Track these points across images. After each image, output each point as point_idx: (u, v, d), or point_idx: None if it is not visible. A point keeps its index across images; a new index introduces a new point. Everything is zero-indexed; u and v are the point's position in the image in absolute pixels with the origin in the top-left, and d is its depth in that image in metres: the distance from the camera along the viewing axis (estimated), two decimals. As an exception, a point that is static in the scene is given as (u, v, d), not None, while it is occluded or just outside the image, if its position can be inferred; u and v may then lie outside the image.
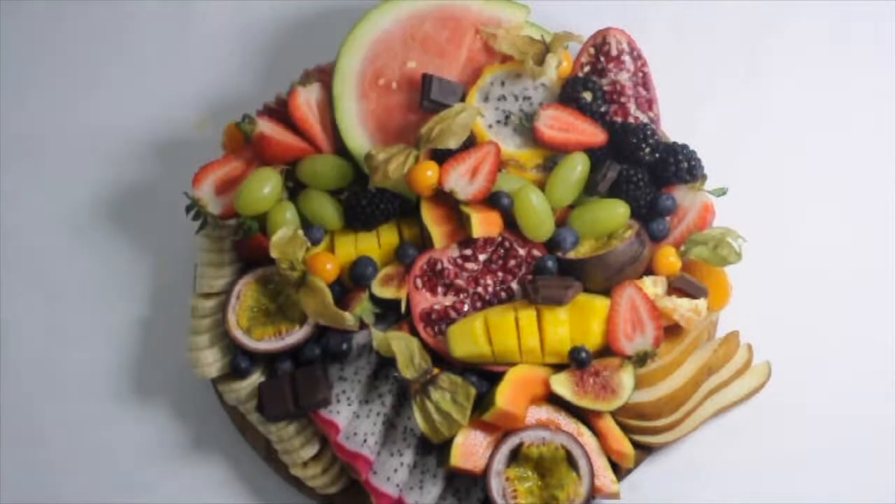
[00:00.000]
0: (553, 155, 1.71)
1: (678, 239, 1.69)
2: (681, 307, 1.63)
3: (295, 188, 1.73)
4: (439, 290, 1.66)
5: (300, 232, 1.64)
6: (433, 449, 1.65)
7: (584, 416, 1.63)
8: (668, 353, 1.65)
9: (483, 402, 1.62)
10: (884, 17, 1.89)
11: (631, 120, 1.72)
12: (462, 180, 1.65)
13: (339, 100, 1.71)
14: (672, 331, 1.65)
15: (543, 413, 1.63)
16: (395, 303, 1.66)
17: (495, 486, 1.58)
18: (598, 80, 1.72)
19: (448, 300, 1.66)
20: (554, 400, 1.62)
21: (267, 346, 1.66)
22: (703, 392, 1.67)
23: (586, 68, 1.75)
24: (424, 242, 1.70)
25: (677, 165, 1.66)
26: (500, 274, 1.67)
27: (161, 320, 1.82)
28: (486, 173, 1.65)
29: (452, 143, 1.64)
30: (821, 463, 1.74)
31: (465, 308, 1.66)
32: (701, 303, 1.63)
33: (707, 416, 1.69)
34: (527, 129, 1.71)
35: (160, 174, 1.87)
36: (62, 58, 1.92)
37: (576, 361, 1.60)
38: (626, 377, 1.61)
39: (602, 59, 1.74)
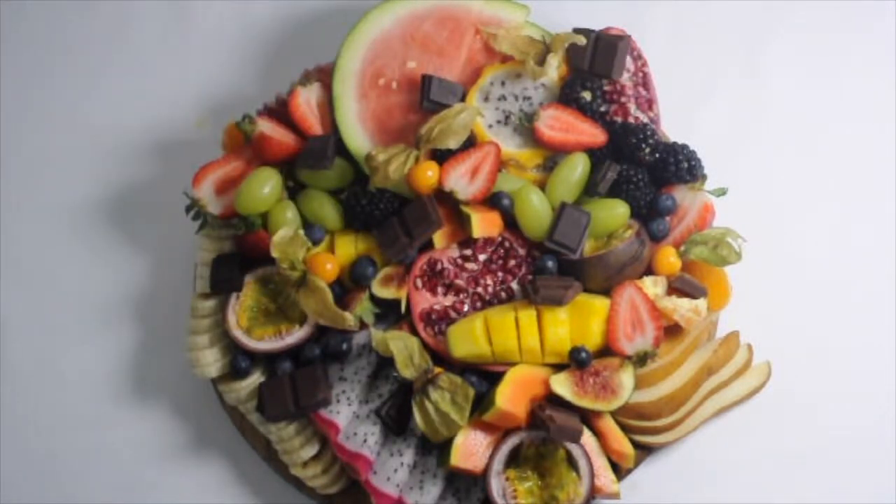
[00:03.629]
0: (553, 155, 1.71)
1: (678, 239, 1.69)
2: (681, 307, 1.62)
3: (295, 188, 1.73)
4: (439, 290, 1.66)
5: (301, 232, 1.64)
6: (433, 449, 1.64)
7: (585, 416, 1.62)
8: (668, 354, 1.64)
9: (483, 402, 1.61)
10: (883, 17, 1.89)
11: (631, 120, 1.71)
12: (462, 180, 1.65)
13: (338, 100, 1.71)
14: (672, 331, 1.65)
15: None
16: (395, 303, 1.66)
17: (495, 486, 1.58)
18: (597, 80, 1.71)
19: (448, 300, 1.66)
20: (554, 400, 1.62)
21: (267, 345, 1.66)
22: (703, 392, 1.67)
23: (586, 68, 1.75)
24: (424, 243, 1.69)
25: (677, 165, 1.66)
26: (500, 274, 1.67)
27: (161, 320, 1.81)
28: (486, 173, 1.65)
29: (452, 144, 1.64)
30: (821, 462, 1.74)
31: (465, 308, 1.66)
32: (701, 303, 1.63)
33: (707, 416, 1.68)
34: (527, 130, 1.70)
35: (160, 174, 1.87)
36: (61, 56, 1.92)
37: (576, 361, 1.60)
38: (626, 377, 1.60)
39: (602, 58, 1.73)
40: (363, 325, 1.67)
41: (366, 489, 1.64)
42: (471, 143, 1.68)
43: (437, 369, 1.60)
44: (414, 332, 1.65)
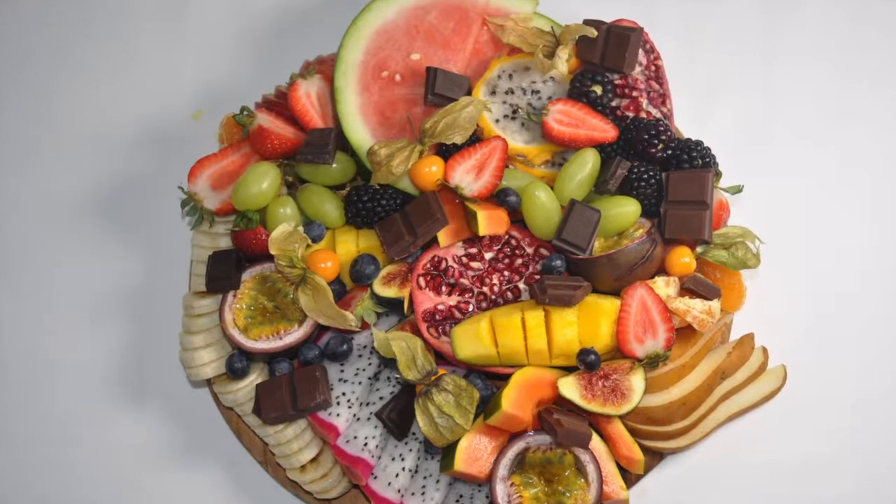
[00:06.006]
0: (562, 151, 1.69)
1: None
2: (693, 308, 1.60)
3: (294, 183, 1.72)
4: (443, 289, 1.64)
5: (300, 228, 1.62)
6: (436, 453, 1.64)
7: (593, 421, 1.61)
8: (679, 356, 1.63)
9: (488, 406, 1.60)
10: (897, 12, 1.89)
11: (643, 115, 1.70)
12: (467, 176, 1.63)
13: (340, 92, 1.69)
14: (684, 333, 1.64)
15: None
16: (397, 302, 1.64)
17: (500, 492, 1.57)
18: (609, 74, 1.69)
19: (452, 300, 1.64)
20: (562, 404, 1.61)
21: (264, 345, 1.65)
22: (716, 396, 1.66)
23: (597, 61, 1.73)
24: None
25: (691, 162, 1.64)
26: (506, 273, 1.66)
27: (155, 319, 1.80)
28: (492, 169, 1.63)
29: (458, 138, 1.63)
30: (838, 469, 1.73)
31: (470, 308, 1.64)
32: (714, 304, 1.61)
33: (720, 420, 1.67)
34: (535, 124, 1.69)
35: (153, 168, 1.85)
36: (52, 47, 1.90)
37: (584, 364, 1.58)
38: (637, 380, 1.58)
39: (613, 51, 1.72)
40: (364, 326, 1.66)
41: (366, 494, 1.64)
42: (477, 137, 1.67)
43: (441, 371, 1.59)
44: (417, 332, 1.64)
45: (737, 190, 1.67)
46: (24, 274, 1.82)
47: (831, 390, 1.75)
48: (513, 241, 1.66)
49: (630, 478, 1.66)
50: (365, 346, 1.66)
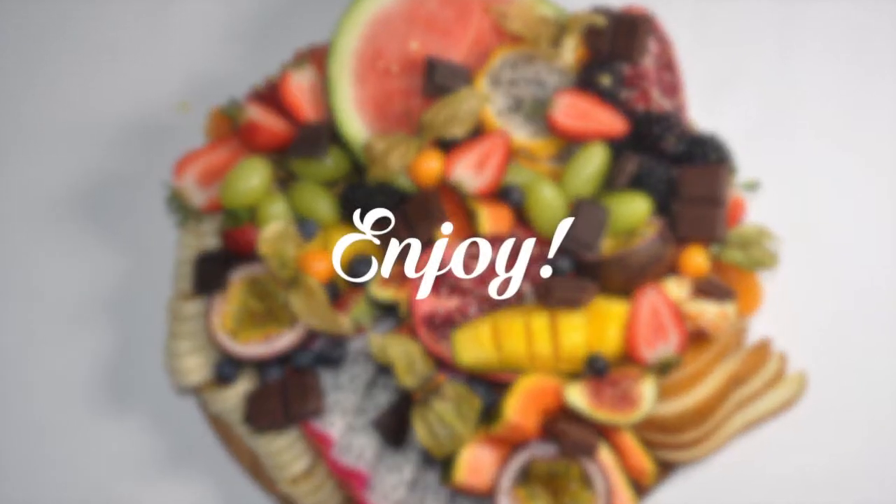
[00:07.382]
0: (568, 145, 1.67)
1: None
2: (707, 312, 1.58)
3: (286, 180, 1.71)
4: (443, 291, 1.61)
5: (292, 227, 1.61)
6: (435, 464, 1.62)
7: (601, 430, 1.59)
8: (692, 362, 1.60)
9: (490, 414, 1.59)
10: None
11: (654, 107, 1.67)
12: (468, 172, 1.61)
13: (334, 84, 1.67)
14: (697, 338, 1.61)
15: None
16: (394, 305, 1.62)
17: None
18: (618, 64, 1.67)
19: (453, 302, 1.61)
20: (568, 412, 1.58)
21: (254, 351, 1.62)
22: (731, 404, 1.64)
23: (605, 51, 1.73)
24: (427, 239, 1.68)
25: (704, 157, 1.62)
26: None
27: (138, 323, 1.78)
28: (494, 165, 1.61)
29: (458, 132, 1.61)
30: (860, 482, 1.72)
31: (472, 311, 1.61)
32: (729, 307, 1.59)
33: (735, 430, 1.65)
34: (540, 117, 1.67)
35: (137, 163, 1.83)
36: (30, 34, 1.88)
37: (592, 370, 1.56)
38: (647, 388, 1.56)
39: (622, 41, 1.73)
40: (359, 329, 1.65)
41: (362, 508, 1.63)
42: (478, 131, 1.66)
43: (441, 378, 1.58)
44: (415, 336, 1.61)
45: (752, 186, 1.66)
46: (2, 274, 1.80)
47: (853, 397, 1.74)
48: (516, 241, 1.64)
49: (640, 490, 1.63)
50: (360, 352, 1.64)
